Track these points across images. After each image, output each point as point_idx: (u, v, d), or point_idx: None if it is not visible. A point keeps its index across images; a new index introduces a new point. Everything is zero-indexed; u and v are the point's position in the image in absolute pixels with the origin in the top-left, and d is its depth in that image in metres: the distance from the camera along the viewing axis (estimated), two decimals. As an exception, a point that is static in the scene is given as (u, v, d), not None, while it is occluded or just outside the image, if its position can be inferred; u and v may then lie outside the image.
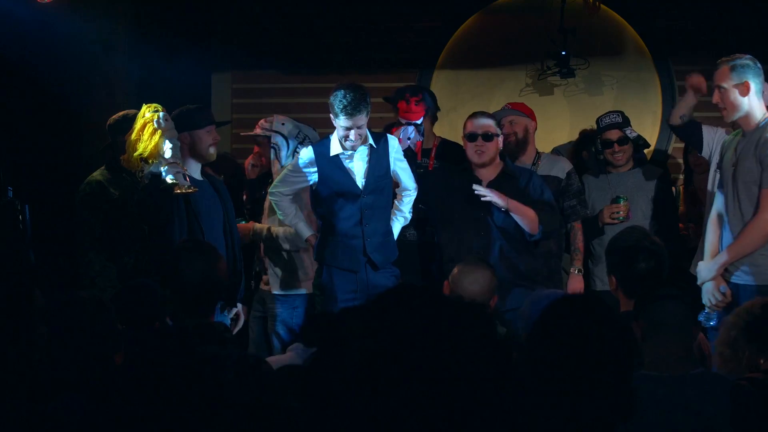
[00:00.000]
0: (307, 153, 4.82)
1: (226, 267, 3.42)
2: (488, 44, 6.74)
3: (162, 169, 4.35)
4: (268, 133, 5.26)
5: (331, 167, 4.76)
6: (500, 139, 4.99)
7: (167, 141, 4.36)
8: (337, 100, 4.58)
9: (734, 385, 2.85)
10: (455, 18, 6.75)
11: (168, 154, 4.34)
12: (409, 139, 4.79)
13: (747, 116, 4.42)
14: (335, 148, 4.75)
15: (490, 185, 4.87)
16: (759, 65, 4.46)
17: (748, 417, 2.77)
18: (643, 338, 2.95)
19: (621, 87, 6.65)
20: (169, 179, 4.32)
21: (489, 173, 4.98)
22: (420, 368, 1.63)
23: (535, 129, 5.58)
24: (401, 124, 5.01)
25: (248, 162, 5.62)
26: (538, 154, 5.50)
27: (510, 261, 4.84)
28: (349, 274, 4.79)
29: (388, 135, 4.90)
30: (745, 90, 4.38)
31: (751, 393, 2.79)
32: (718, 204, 4.60)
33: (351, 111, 4.56)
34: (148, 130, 4.41)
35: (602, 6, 6.60)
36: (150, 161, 4.39)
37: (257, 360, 2.87)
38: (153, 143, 4.38)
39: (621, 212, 5.24)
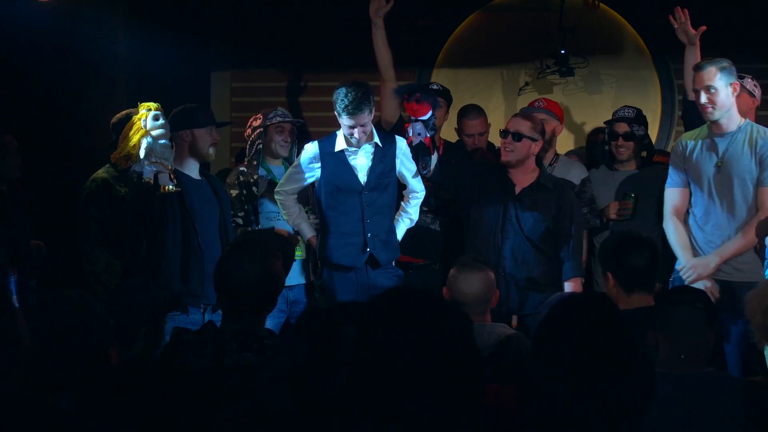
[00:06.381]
0: (312, 148, 4.84)
1: (280, 269, 3.07)
2: (487, 43, 6.74)
3: (144, 167, 4.35)
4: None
5: (335, 162, 4.79)
6: (535, 144, 4.86)
7: (144, 139, 4.36)
8: (339, 99, 4.62)
9: (747, 384, 2.93)
10: (454, 17, 6.76)
11: (142, 153, 4.34)
12: (418, 135, 4.83)
13: (731, 116, 4.58)
14: (340, 144, 4.79)
15: (522, 193, 4.82)
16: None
17: (760, 415, 2.82)
18: (658, 341, 3.02)
19: (620, 85, 6.67)
20: (147, 178, 4.32)
21: (523, 178, 4.87)
22: (406, 371, 1.64)
23: (561, 131, 5.58)
24: (411, 121, 5.04)
25: None
26: (557, 156, 5.47)
27: (528, 266, 4.77)
28: (350, 275, 4.79)
29: (397, 136, 4.91)
30: (734, 90, 4.55)
31: (764, 391, 2.85)
32: (677, 201, 4.74)
33: (352, 110, 4.60)
34: (134, 129, 4.42)
35: (601, 5, 6.62)
36: (134, 159, 4.40)
37: (300, 370, 2.73)
38: (132, 142, 4.39)
39: (629, 209, 5.23)
